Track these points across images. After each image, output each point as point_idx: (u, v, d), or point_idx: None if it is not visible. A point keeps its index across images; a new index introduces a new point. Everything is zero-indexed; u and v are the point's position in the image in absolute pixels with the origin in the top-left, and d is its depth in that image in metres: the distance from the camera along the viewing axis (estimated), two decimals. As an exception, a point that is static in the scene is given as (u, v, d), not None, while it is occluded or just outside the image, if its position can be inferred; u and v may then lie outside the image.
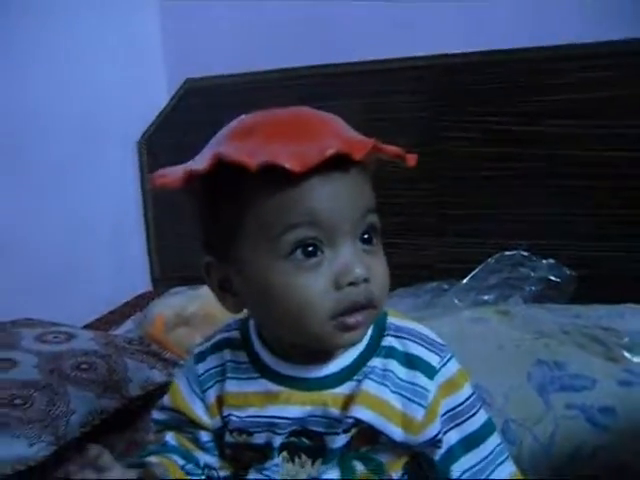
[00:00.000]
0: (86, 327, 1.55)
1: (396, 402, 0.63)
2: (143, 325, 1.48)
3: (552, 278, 1.21)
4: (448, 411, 0.65)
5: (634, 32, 1.30)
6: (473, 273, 1.25)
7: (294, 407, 0.64)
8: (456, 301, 1.19)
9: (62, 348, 1.23)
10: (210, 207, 0.63)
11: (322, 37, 1.65)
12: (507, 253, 1.25)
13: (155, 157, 1.86)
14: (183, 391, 0.71)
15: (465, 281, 1.24)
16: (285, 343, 0.65)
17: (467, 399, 0.65)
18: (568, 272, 1.21)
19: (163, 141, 1.84)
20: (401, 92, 1.54)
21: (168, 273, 1.90)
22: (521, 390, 0.97)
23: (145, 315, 1.52)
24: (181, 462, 0.70)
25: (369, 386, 0.63)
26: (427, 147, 1.48)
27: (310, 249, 0.57)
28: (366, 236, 0.60)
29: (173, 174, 0.60)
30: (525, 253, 1.24)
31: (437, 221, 1.51)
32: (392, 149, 0.61)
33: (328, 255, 0.58)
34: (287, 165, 0.54)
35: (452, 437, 0.65)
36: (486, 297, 1.20)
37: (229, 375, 0.68)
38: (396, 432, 0.63)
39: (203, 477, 0.71)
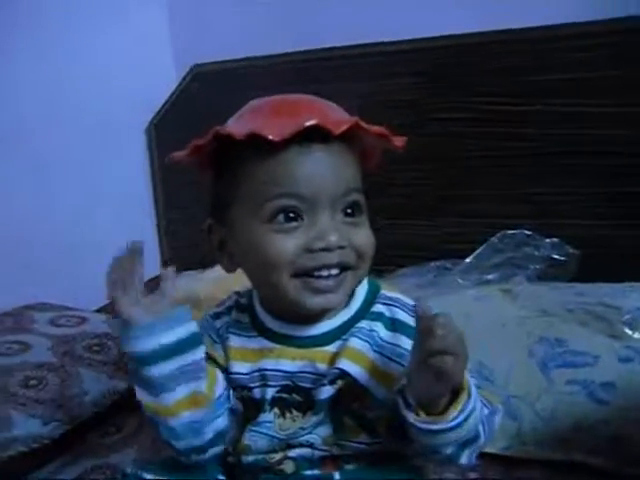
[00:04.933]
0: (98, 311, 1.57)
1: (377, 360, 0.67)
2: (153, 308, 1.49)
3: (556, 257, 1.22)
4: None
5: (630, 10, 1.29)
6: (476, 252, 1.25)
7: (285, 362, 0.69)
8: (460, 280, 1.20)
9: (74, 331, 1.27)
10: (213, 176, 0.71)
11: (325, 20, 1.65)
12: (510, 232, 1.25)
13: (164, 142, 1.87)
14: (207, 340, 0.75)
15: (468, 260, 1.25)
16: (276, 304, 0.70)
17: None
18: (571, 251, 1.21)
19: (172, 126, 1.85)
20: (396, 74, 1.53)
21: (178, 257, 1.92)
22: (523, 366, 0.98)
23: (156, 298, 1.53)
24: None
25: (354, 343, 0.68)
26: (426, 128, 1.48)
27: (291, 215, 0.64)
28: (349, 210, 0.65)
29: (179, 153, 0.69)
30: (528, 232, 1.24)
31: (438, 202, 1.51)
32: (376, 129, 0.64)
33: (307, 222, 0.64)
34: (268, 135, 0.60)
35: None
36: (490, 276, 1.21)
37: (233, 332, 0.74)
38: (377, 388, 0.67)
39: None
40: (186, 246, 1.89)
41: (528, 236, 1.24)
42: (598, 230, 1.32)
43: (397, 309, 0.70)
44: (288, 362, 0.69)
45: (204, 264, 1.49)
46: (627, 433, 0.90)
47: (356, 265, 0.65)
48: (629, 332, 0.98)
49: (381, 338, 0.68)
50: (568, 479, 0.89)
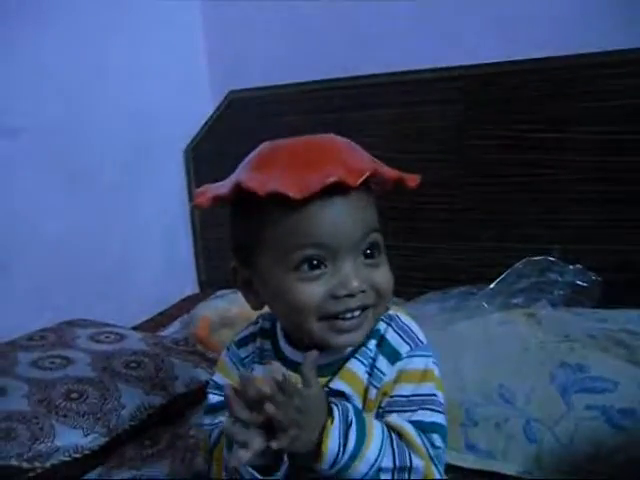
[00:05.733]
0: (136, 328, 1.63)
1: (364, 379, 0.71)
2: (189, 326, 1.55)
3: (579, 283, 1.24)
4: (392, 396, 0.70)
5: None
6: (500, 278, 1.28)
7: None
8: (485, 304, 1.23)
9: (114, 348, 1.32)
10: (237, 222, 0.74)
11: (359, 48, 1.70)
12: (534, 259, 1.28)
13: (201, 165, 1.94)
14: (231, 370, 0.80)
15: (492, 286, 1.28)
16: (299, 336, 0.73)
17: (409, 396, 0.70)
18: (594, 277, 1.23)
19: (208, 150, 1.92)
20: (430, 102, 1.58)
21: (214, 276, 1.98)
22: (543, 391, 1.01)
23: (191, 317, 1.59)
24: None
25: (351, 363, 0.72)
26: (458, 155, 1.52)
27: (315, 263, 0.67)
28: (368, 251, 0.69)
29: (205, 195, 0.72)
30: (552, 259, 1.27)
31: (468, 227, 1.54)
32: (392, 173, 0.69)
33: (330, 269, 0.67)
34: (290, 193, 0.63)
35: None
36: (515, 300, 1.23)
37: (258, 361, 0.78)
38: (359, 402, 0.71)
39: None
40: (222, 266, 1.94)
41: (552, 262, 1.26)
42: (623, 255, 1.34)
43: (391, 328, 0.73)
44: None
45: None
46: (645, 459, 0.91)
47: (376, 304, 0.69)
48: (650, 359, 1.00)
49: (371, 357, 0.71)
50: (585, 503, 0.91)
